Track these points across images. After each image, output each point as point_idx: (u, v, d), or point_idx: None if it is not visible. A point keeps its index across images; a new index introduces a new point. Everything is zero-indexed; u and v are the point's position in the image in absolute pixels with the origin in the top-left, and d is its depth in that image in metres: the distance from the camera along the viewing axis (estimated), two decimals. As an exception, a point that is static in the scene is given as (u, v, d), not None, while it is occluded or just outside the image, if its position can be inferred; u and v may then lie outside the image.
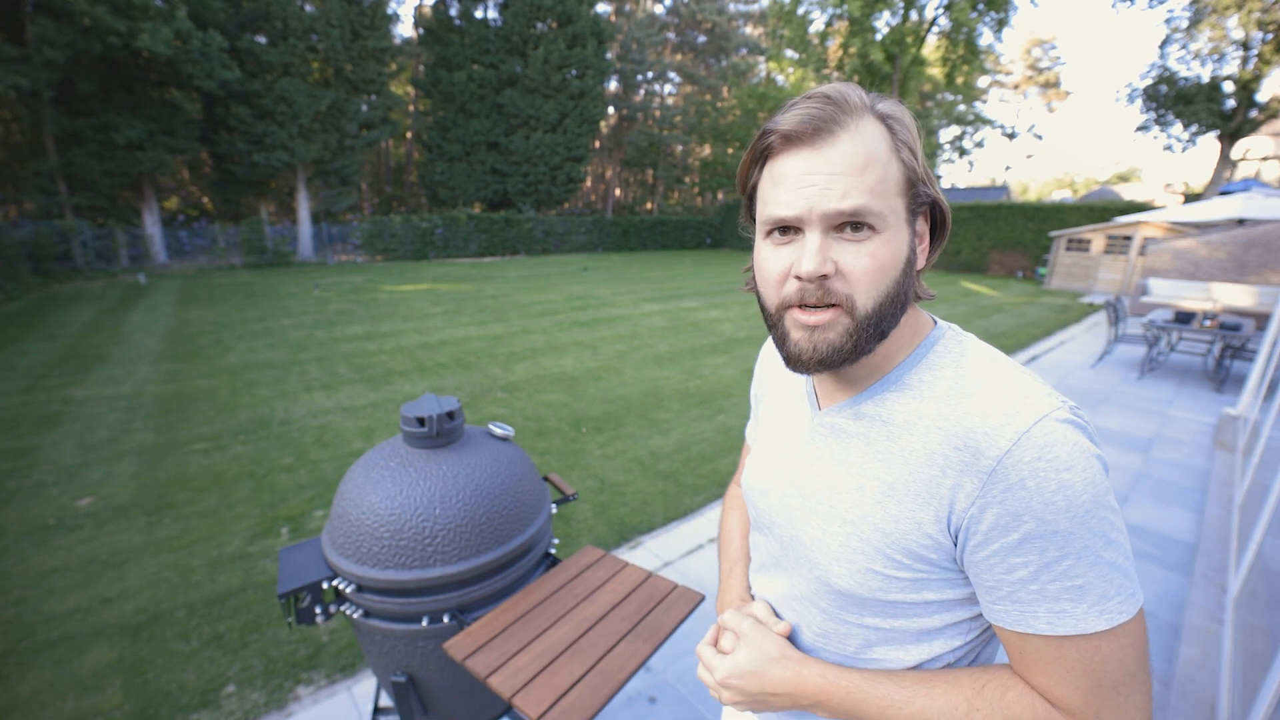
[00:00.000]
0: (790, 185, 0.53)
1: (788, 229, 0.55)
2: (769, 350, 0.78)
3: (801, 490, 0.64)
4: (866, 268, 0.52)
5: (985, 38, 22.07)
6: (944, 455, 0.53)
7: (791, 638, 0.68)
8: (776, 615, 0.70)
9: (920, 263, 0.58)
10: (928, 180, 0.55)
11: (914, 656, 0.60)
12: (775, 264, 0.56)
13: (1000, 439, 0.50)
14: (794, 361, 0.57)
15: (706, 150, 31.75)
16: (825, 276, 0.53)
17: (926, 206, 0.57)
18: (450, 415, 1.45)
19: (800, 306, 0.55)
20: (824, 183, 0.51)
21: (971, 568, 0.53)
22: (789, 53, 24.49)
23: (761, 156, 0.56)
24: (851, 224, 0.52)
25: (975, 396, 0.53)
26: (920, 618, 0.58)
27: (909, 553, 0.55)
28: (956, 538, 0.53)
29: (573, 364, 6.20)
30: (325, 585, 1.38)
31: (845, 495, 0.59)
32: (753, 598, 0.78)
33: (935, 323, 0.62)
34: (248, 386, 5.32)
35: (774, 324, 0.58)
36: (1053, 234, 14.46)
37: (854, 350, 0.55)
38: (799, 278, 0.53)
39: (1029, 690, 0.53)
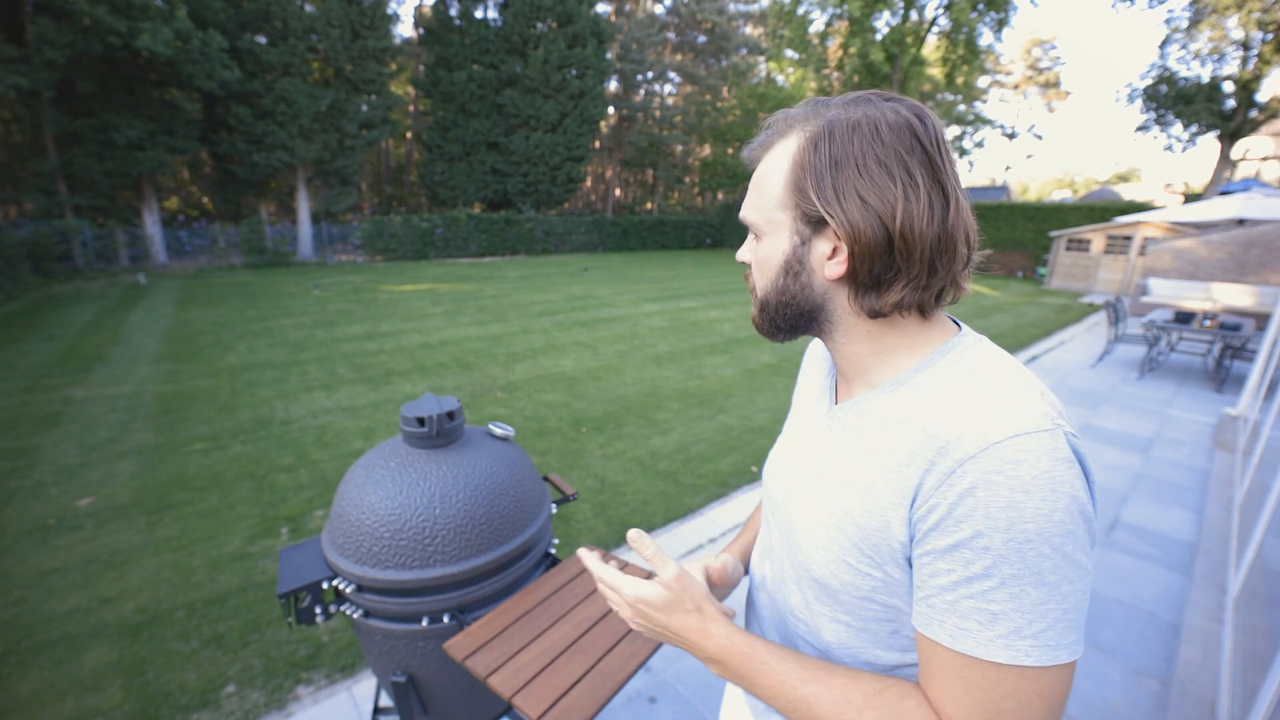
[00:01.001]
0: None
1: None
2: (811, 346, 0.81)
3: (802, 479, 0.67)
4: (754, 263, 0.64)
5: (985, 38, 22.06)
6: (920, 456, 0.53)
7: (772, 620, 0.71)
8: (765, 594, 0.75)
9: (833, 272, 0.57)
10: (821, 195, 0.55)
11: (885, 660, 0.61)
12: None
13: (969, 444, 0.49)
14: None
15: (706, 150, 31.73)
16: (746, 264, 0.66)
17: (826, 223, 0.56)
18: (450, 415, 1.45)
19: None
20: (746, 198, 0.65)
21: (914, 562, 0.54)
22: (789, 53, 24.48)
23: None
24: (751, 229, 0.64)
25: (963, 403, 0.53)
26: (889, 623, 0.59)
27: (879, 551, 0.56)
28: (912, 533, 0.53)
29: (573, 364, 6.20)
30: (325, 585, 1.38)
31: (834, 488, 0.61)
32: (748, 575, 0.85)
33: (960, 329, 0.62)
34: (248, 386, 5.32)
35: None
36: (1053, 234, 14.46)
37: (761, 325, 0.66)
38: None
39: (927, 705, 0.53)
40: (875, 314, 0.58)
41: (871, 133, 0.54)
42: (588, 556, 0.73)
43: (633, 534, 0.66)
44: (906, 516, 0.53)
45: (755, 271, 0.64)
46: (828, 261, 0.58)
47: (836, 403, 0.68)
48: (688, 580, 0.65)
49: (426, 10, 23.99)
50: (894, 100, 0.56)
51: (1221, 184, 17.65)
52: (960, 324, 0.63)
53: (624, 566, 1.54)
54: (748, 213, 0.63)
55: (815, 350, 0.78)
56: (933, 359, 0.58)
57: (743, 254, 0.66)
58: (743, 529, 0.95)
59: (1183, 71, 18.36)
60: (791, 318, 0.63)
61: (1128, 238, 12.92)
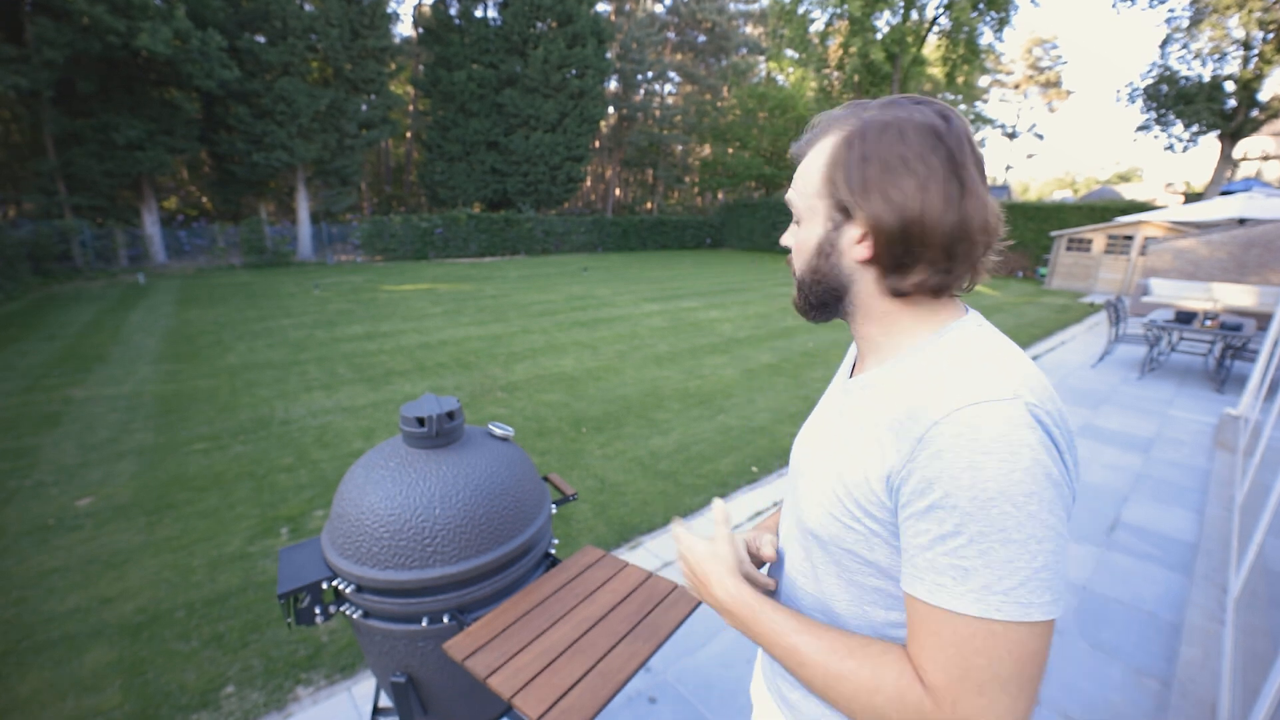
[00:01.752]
0: None
1: None
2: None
3: (814, 445, 0.75)
4: (794, 245, 0.72)
5: (986, 37, 22.07)
6: (897, 422, 0.58)
7: (778, 567, 0.80)
8: (778, 550, 0.82)
9: (861, 254, 0.64)
10: (850, 187, 0.63)
11: (871, 616, 0.65)
12: None
13: (935, 410, 0.55)
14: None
15: (706, 150, 31.71)
16: (788, 249, 0.74)
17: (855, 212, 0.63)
18: (450, 415, 1.45)
19: None
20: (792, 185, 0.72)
21: (900, 531, 0.58)
22: (789, 52, 24.47)
23: None
24: (794, 213, 0.71)
25: (936, 376, 0.58)
26: (874, 578, 0.63)
27: (859, 505, 0.61)
28: (894, 498, 0.58)
29: (573, 364, 6.19)
30: (325, 585, 1.38)
31: (832, 449, 0.68)
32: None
33: (966, 313, 0.67)
34: (248, 386, 5.31)
35: None
36: (1053, 234, 14.45)
37: (799, 303, 0.73)
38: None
39: (905, 659, 0.57)
40: (898, 293, 0.65)
41: (898, 133, 0.61)
42: (677, 526, 0.82)
43: (716, 502, 0.82)
44: (883, 476, 0.58)
45: (795, 253, 0.72)
46: (855, 245, 0.65)
47: (851, 376, 0.76)
48: (725, 543, 0.75)
49: (426, 10, 23.98)
50: (924, 104, 0.63)
51: (1222, 184, 17.65)
52: (969, 310, 0.68)
53: (624, 567, 1.54)
54: (793, 197, 0.71)
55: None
56: (931, 340, 0.64)
57: (786, 239, 0.74)
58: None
59: (1184, 71, 18.33)
60: (822, 294, 0.70)
61: (1128, 237, 12.91)
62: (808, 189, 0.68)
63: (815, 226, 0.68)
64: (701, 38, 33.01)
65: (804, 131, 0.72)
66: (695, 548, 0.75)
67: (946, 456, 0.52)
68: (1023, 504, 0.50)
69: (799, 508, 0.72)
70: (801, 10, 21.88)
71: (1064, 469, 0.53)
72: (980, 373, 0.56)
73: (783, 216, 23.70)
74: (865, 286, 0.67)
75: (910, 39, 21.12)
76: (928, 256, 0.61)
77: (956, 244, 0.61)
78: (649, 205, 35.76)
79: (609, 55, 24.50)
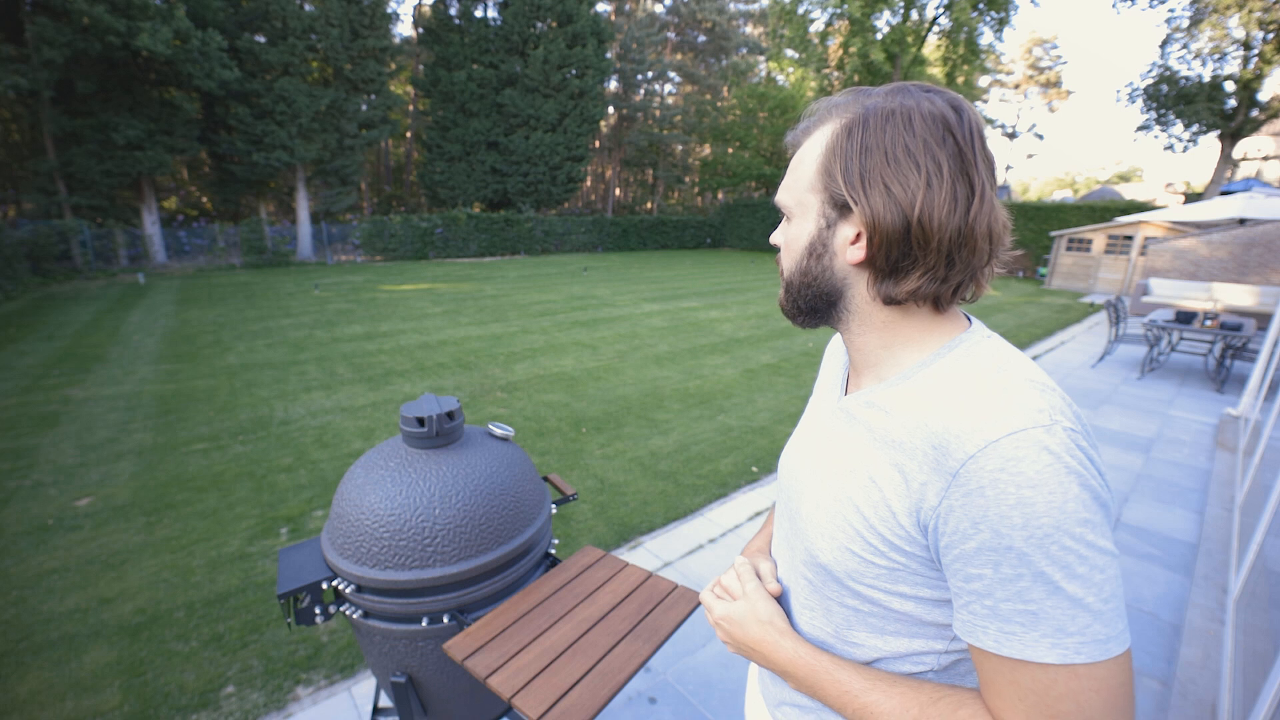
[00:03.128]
0: None
1: None
2: (832, 340, 0.83)
3: (811, 468, 0.69)
4: (782, 244, 0.67)
5: (986, 37, 22.04)
6: (921, 451, 0.54)
7: (783, 603, 0.73)
8: (778, 580, 0.76)
9: (855, 256, 0.59)
10: (847, 181, 0.57)
11: (892, 647, 0.61)
12: None
13: (968, 443, 0.50)
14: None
15: (706, 150, 31.71)
16: (777, 248, 0.69)
17: (849, 206, 0.57)
18: (450, 415, 1.45)
19: None
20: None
21: (945, 570, 0.54)
22: (789, 52, 24.46)
23: None
24: (783, 211, 0.66)
25: (961, 401, 0.53)
26: (896, 609, 0.59)
27: (884, 540, 0.56)
28: (928, 534, 0.53)
29: (573, 364, 6.19)
30: (325, 585, 1.37)
31: (840, 476, 0.62)
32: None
33: (970, 324, 0.63)
34: (247, 386, 5.31)
35: None
36: (1053, 234, 14.45)
37: (785, 306, 0.68)
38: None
39: (983, 711, 0.53)
40: (890, 300, 0.59)
41: (904, 122, 0.55)
42: (706, 596, 0.77)
43: (740, 560, 0.78)
44: (910, 509, 0.54)
45: (783, 253, 0.67)
46: (849, 246, 0.59)
47: (846, 394, 0.70)
48: (762, 600, 0.70)
49: (426, 10, 23.98)
50: (933, 92, 0.57)
51: (1222, 183, 17.65)
52: (972, 320, 0.64)
53: (624, 567, 1.54)
54: (781, 195, 0.65)
55: (835, 344, 0.80)
56: (939, 354, 0.59)
57: (775, 236, 0.69)
58: (766, 522, 0.98)
59: (1184, 71, 18.34)
60: (811, 299, 0.65)
61: (1129, 237, 12.91)
62: (800, 182, 0.62)
63: (806, 223, 0.62)
64: (701, 38, 33.02)
65: (800, 119, 0.65)
66: (734, 614, 0.70)
67: (989, 493, 0.48)
68: (1080, 535, 0.47)
69: (805, 538, 0.66)
70: (801, 10, 21.88)
71: (1106, 484, 0.50)
72: (1008, 397, 0.51)
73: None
74: (860, 292, 0.61)
75: (910, 39, 21.12)
76: (926, 261, 0.56)
77: (958, 250, 0.55)
78: (649, 205, 35.76)
79: (609, 55, 24.52)
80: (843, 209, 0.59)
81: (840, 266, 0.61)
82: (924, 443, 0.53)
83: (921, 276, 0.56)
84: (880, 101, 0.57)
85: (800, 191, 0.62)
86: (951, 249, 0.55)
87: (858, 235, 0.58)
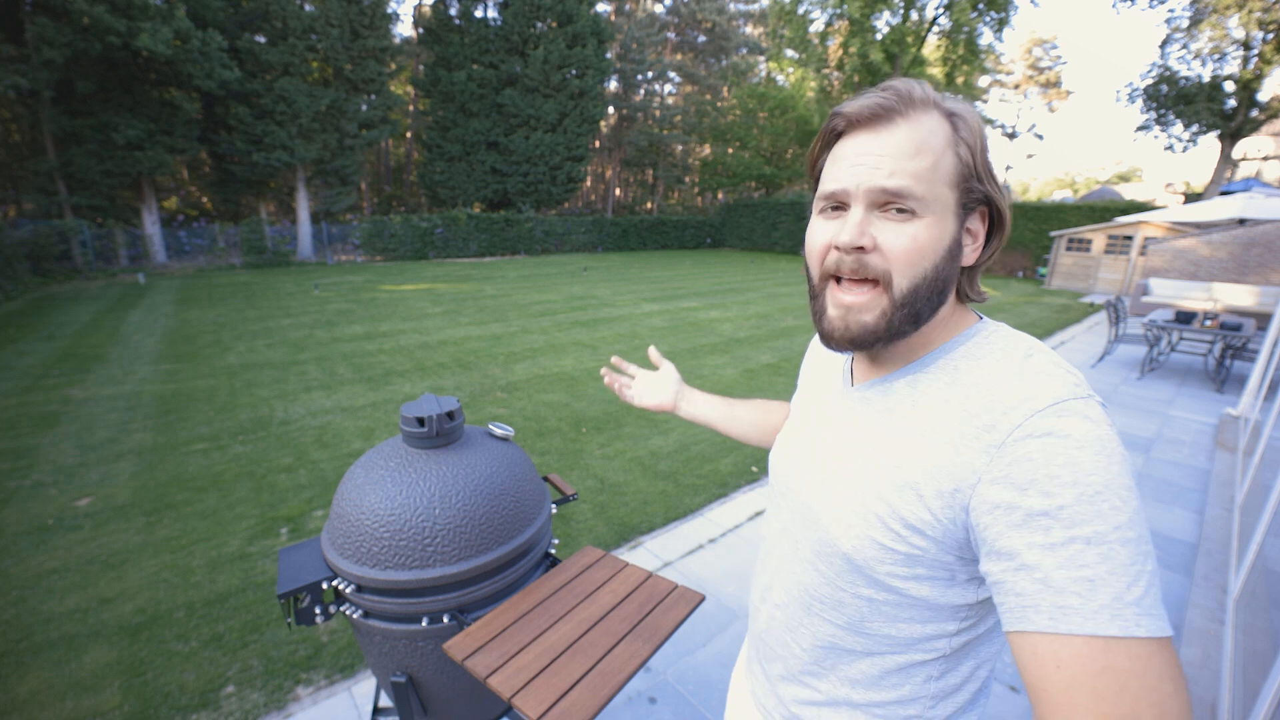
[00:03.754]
0: (846, 163, 0.57)
1: (838, 205, 0.59)
2: (814, 340, 0.82)
3: (820, 459, 0.67)
4: (905, 247, 0.55)
5: (985, 38, 22.02)
6: (960, 435, 0.53)
7: (786, 601, 0.71)
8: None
9: (970, 259, 0.60)
10: (986, 180, 0.57)
11: (905, 633, 0.60)
12: (821, 235, 0.60)
13: (1015, 414, 0.50)
14: (827, 338, 0.61)
15: (706, 150, 31.72)
16: (862, 249, 0.56)
17: (982, 205, 0.59)
18: (450, 415, 1.45)
19: (838, 281, 0.59)
20: (874, 162, 0.55)
21: (984, 550, 0.51)
22: (789, 52, 24.46)
23: (829, 140, 0.61)
24: (896, 205, 0.55)
25: (1002, 384, 0.54)
26: (913, 595, 0.58)
27: (907, 525, 0.55)
28: (966, 513, 0.52)
29: (573, 364, 6.19)
30: (325, 585, 1.37)
31: (861, 464, 0.60)
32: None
33: (980, 318, 0.64)
34: (247, 386, 5.31)
35: (815, 296, 0.63)
36: (1053, 234, 14.45)
37: (887, 331, 0.58)
38: (838, 248, 0.57)
39: None
40: (972, 299, 0.62)
41: (984, 129, 0.58)
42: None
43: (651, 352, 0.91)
44: (943, 490, 0.53)
45: (905, 256, 0.55)
46: (966, 247, 0.60)
47: (853, 384, 0.68)
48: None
49: (426, 10, 23.99)
50: (952, 97, 0.59)
51: (1222, 184, 17.65)
52: (980, 315, 0.66)
53: (624, 567, 1.54)
54: (914, 184, 0.54)
55: (819, 342, 0.80)
56: (960, 339, 0.60)
57: (859, 234, 0.56)
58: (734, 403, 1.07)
59: (1183, 71, 18.35)
60: (932, 310, 0.59)
61: (1128, 237, 12.91)
62: (937, 173, 0.55)
63: (947, 222, 0.56)
64: (701, 38, 33.02)
65: (866, 94, 0.57)
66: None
67: (1038, 457, 0.47)
68: (1127, 497, 0.45)
69: (823, 533, 0.63)
70: (801, 10, 21.89)
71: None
72: (1046, 373, 0.52)
73: (782, 216, 23.69)
74: (952, 294, 0.61)
75: (910, 39, 21.13)
76: (993, 257, 0.60)
77: (1003, 243, 0.60)
78: (649, 205, 35.76)
79: (609, 55, 24.52)
80: (969, 208, 0.58)
81: (957, 269, 0.59)
82: (965, 427, 0.53)
83: (981, 272, 0.61)
84: (960, 105, 0.58)
85: (939, 184, 0.55)
86: (1003, 242, 0.60)
87: (970, 236, 0.59)
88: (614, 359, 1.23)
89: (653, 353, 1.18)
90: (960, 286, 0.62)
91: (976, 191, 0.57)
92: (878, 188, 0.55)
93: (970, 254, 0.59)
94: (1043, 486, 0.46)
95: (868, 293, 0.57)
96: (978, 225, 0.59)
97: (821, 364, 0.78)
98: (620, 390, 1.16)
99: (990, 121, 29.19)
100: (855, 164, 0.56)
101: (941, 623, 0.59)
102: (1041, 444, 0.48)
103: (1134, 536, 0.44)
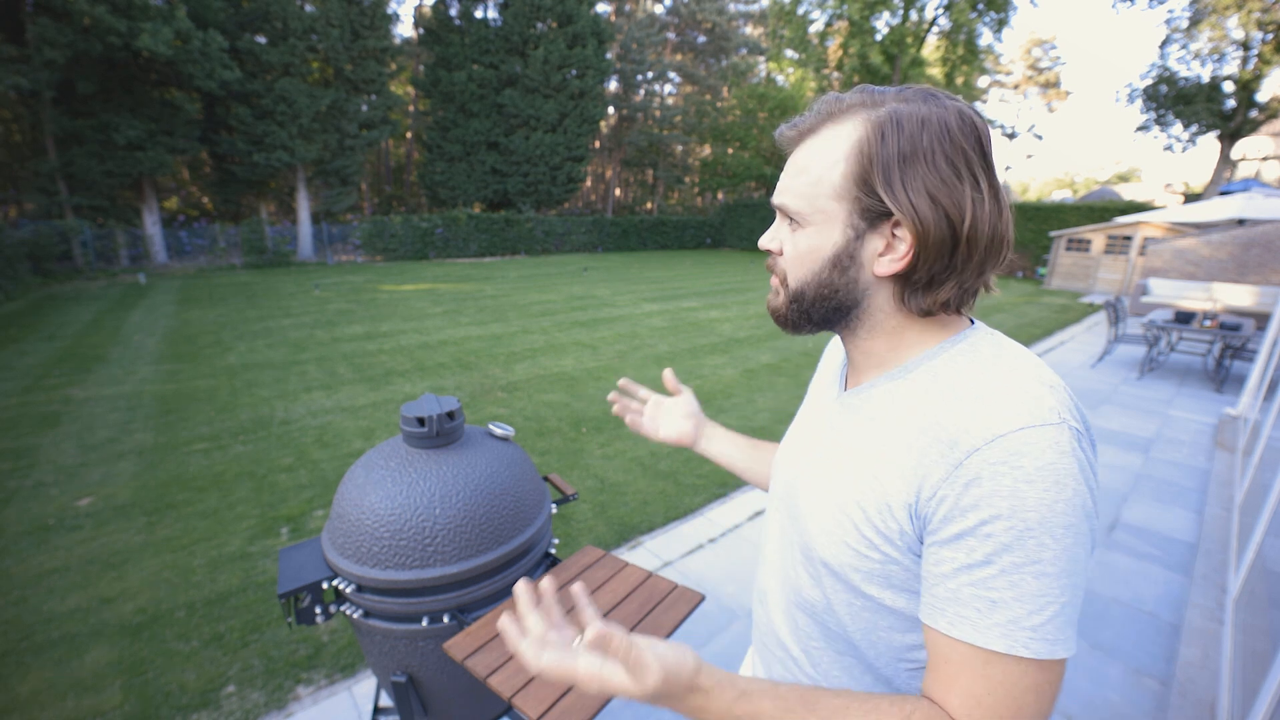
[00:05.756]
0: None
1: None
2: (832, 341, 0.83)
3: (808, 463, 0.68)
4: (790, 253, 0.62)
5: (985, 38, 22.07)
6: (924, 445, 0.53)
7: (780, 602, 0.72)
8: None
9: (885, 269, 0.57)
10: (889, 189, 0.53)
11: (889, 641, 0.61)
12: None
13: (975, 437, 0.50)
14: (769, 313, 0.68)
15: (706, 150, 31.72)
16: (770, 252, 0.64)
17: (890, 216, 0.55)
18: (450, 415, 1.45)
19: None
20: (781, 180, 0.62)
21: (923, 557, 0.54)
22: (789, 53, 24.50)
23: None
24: (788, 216, 0.61)
25: (971, 395, 0.53)
26: (889, 605, 0.59)
27: (878, 532, 0.56)
28: (921, 524, 0.53)
29: (573, 364, 6.20)
30: (325, 585, 1.38)
31: (840, 470, 0.62)
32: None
33: (971, 323, 0.62)
34: (248, 386, 5.32)
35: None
36: (1053, 234, 14.46)
37: (788, 318, 0.65)
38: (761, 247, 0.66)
39: (926, 703, 0.52)
40: (924, 312, 0.58)
41: (941, 129, 0.53)
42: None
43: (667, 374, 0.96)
44: (910, 503, 0.53)
45: (791, 262, 0.61)
46: (879, 258, 0.57)
47: (845, 389, 0.69)
48: (649, 652, 0.52)
49: (426, 10, 23.99)
50: (955, 99, 0.56)
51: (1221, 184, 17.66)
52: (973, 320, 0.64)
53: (624, 567, 1.54)
54: (791, 200, 0.60)
55: (835, 343, 0.79)
56: (943, 346, 0.59)
57: (769, 241, 0.64)
58: (749, 444, 1.00)
59: (1183, 71, 18.37)
60: (827, 312, 0.62)
61: (1128, 238, 12.92)
62: (819, 187, 0.57)
63: (830, 233, 0.58)
64: (701, 38, 33.02)
65: (796, 115, 0.61)
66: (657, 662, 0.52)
67: (985, 484, 0.48)
68: (1060, 537, 0.47)
69: (805, 535, 0.65)
70: (801, 11, 21.92)
71: (1097, 498, 0.51)
72: (1020, 391, 0.51)
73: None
74: (880, 302, 0.60)
75: (909, 40, 21.15)
76: (963, 272, 0.55)
77: (990, 257, 0.55)
78: (649, 205, 35.76)
79: (609, 55, 24.51)
80: (874, 219, 0.56)
81: (865, 278, 0.59)
82: (930, 434, 0.53)
83: (954, 287, 0.56)
84: (906, 106, 0.54)
85: (820, 199, 0.57)
86: (985, 258, 0.55)
87: (886, 246, 0.56)
88: (622, 381, 1.05)
89: (668, 377, 1.02)
90: (902, 296, 0.58)
91: (866, 203, 0.55)
92: (774, 203, 0.63)
93: (888, 264, 0.56)
94: (982, 514, 0.48)
95: (775, 281, 0.66)
96: (903, 234, 0.55)
97: (827, 368, 0.78)
98: (631, 420, 1.02)
99: (990, 122, 29.13)
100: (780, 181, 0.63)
101: (921, 634, 0.58)
102: (992, 471, 0.48)
103: (1052, 572, 0.47)
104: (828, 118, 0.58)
